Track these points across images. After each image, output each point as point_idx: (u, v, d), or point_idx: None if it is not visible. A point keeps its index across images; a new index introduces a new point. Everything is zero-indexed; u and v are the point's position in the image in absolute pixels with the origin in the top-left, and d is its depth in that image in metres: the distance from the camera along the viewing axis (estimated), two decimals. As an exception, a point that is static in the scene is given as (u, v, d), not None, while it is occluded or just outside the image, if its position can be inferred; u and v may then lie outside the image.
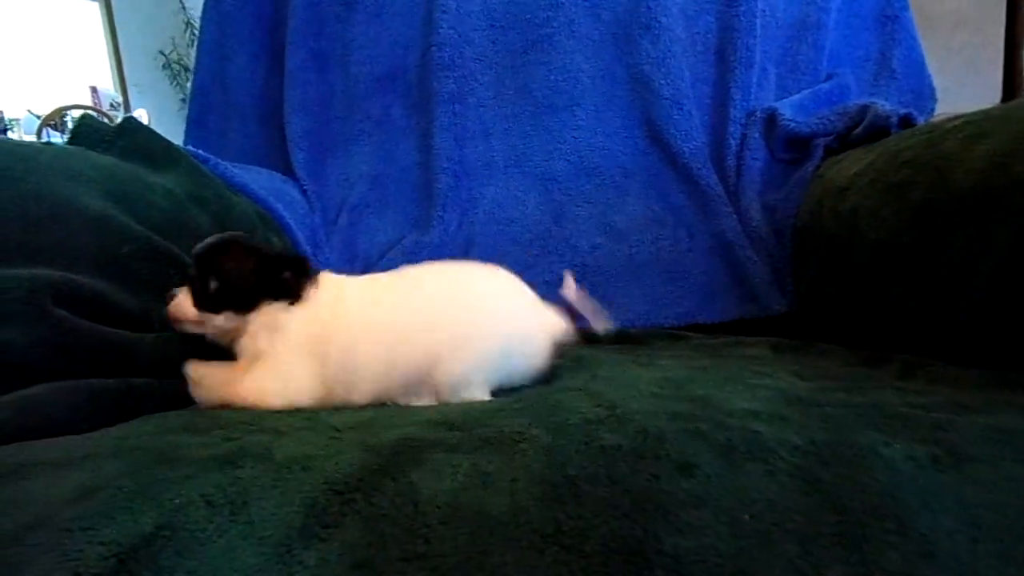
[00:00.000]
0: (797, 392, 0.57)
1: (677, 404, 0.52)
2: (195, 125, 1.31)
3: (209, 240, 0.64)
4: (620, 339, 0.96)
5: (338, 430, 0.50)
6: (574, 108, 1.14)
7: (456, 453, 0.43)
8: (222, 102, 1.31)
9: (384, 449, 0.44)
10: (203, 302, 0.62)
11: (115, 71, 4.45)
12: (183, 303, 0.63)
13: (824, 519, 0.35)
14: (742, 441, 0.43)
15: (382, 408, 0.58)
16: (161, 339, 0.64)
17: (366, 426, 0.51)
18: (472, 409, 0.55)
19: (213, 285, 0.62)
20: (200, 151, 0.93)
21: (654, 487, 0.38)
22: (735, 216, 1.05)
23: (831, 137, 1.03)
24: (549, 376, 0.68)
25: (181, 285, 0.66)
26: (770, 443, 0.42)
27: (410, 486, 0.40)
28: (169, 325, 0.63)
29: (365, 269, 1.10)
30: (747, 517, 0.35)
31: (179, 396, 0.61)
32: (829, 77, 1.22)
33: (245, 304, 0.62)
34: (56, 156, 0.66)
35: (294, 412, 0.55)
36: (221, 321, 0.63)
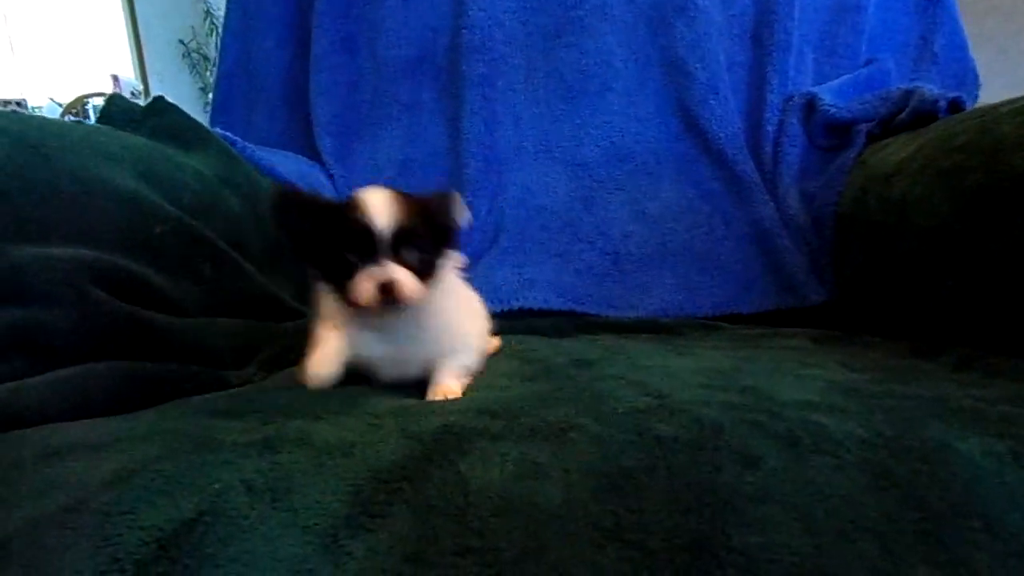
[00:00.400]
0: (851, 383, 0.55)
1: (728, 394, 0.50)
2: (220, 110, 1.30)
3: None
4: (652, 328, 0.94)
5: (377, 416, 0.48)
6: (606, 92, 1.11)
7: (502, 442, 0.41)
8: (247, 87, 1.29)
9: (426, 436, 0.42)
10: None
11: (136, 60, 4.47)
12: (405, 281, 0.52)
13: (904, 517, 0.33)
14: (805, 433, 0.40)
15: (414, 397, 0.56)
16: (198, 323, 0.63)
17: (404, 413, 0.49)
18: (511, 398, 0.53)
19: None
20: (228, 134, 0.92)
21: (717, 480, 0.36)
22: (772, 204, 1.02)
23: (873, 123, 1.00)
24: (583, 361, 0.66)
25: (208, 265, 0.65)
26: (835, 435, 0.40)
27: (458, 476, 0.38)
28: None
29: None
30: (821, 512, 0.33)
31: (214, 380, 0.60)
32: (868, 62, 1.18)
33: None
34: (87, 134, 0.65)
35: (329, 395, 0.54)
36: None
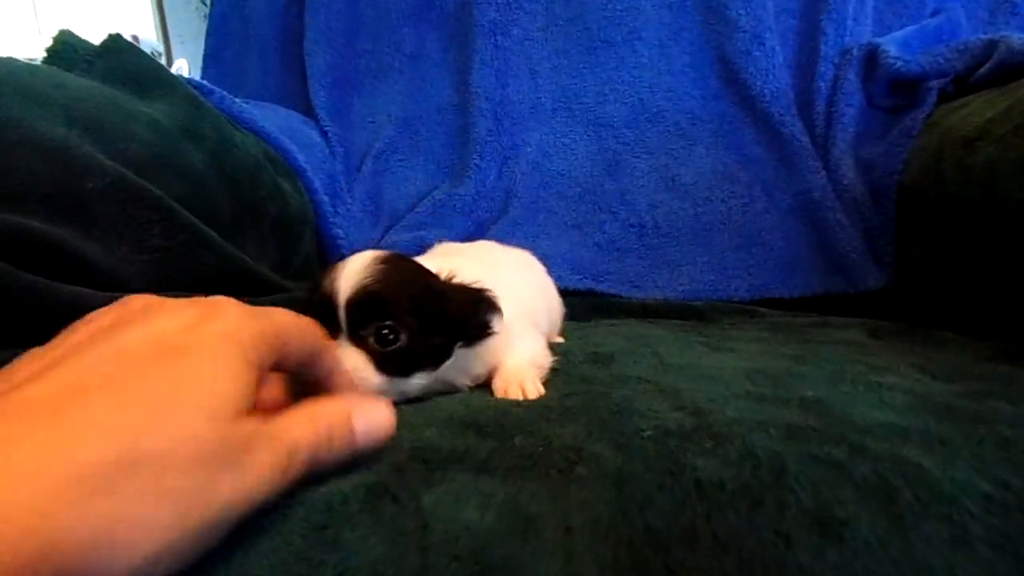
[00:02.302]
0: (939, 398, 0.43)
1: (785, 411, 0.39)
2: (211, 61, 1.20)
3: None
4: (681, 312, 0.83)
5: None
6: (634, 42, 0.98)
7: (485, 475, 0.31)
8: (241, 34, 1.18)
9: (386, 459, 0.32)
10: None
11: (157, 21, 4.37)
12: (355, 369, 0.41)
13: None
14: (902, 481, 0.29)
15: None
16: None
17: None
18: (508, 403, 0.43)
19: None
20: (204, 83, 0.81)
21: (786, 559, 0.25)
22: (823, 172, 0.89)
23: (947, 79, 0.86)
24: (600, 356, 0.55)
25: (157, 231, 0.55)
26: (944, 486, 0.29)
27: (418, 521, 0.28)
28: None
29: (391, 223, 0.97)
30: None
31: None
32: (935, 12, 1.03)
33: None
34: (13, 72, 0.55)
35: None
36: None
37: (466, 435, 0.36)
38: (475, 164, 0.96)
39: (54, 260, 0.47)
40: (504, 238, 0.89)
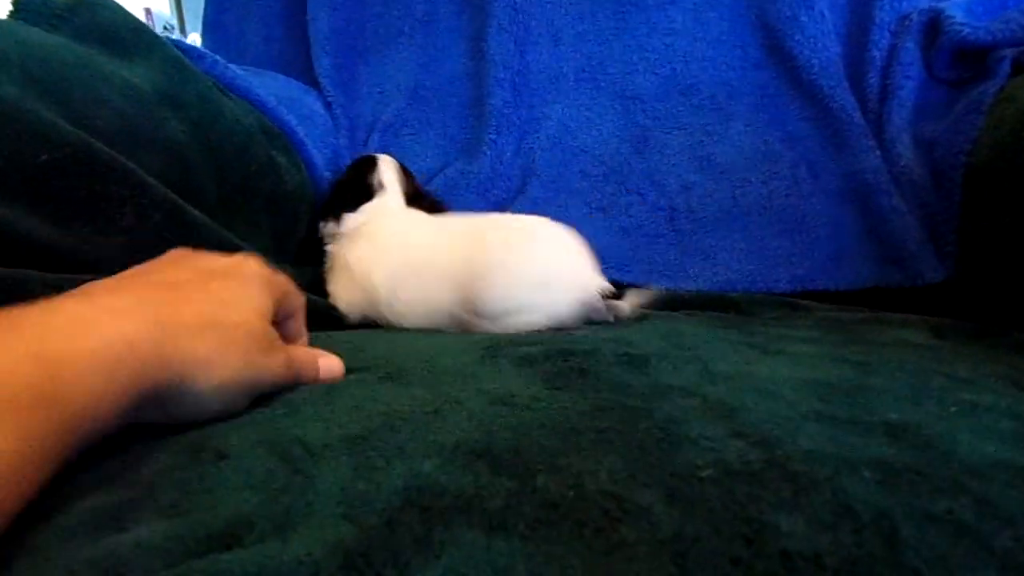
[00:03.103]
0: (1055, 422, 0.35)
1: (871, 441, 0.31)
2: (210, 28, 1.13)
3: None
4: (716, 305, 0.75)
5: (310, 453, 0.31)
6: (667, 6, 0.90)
7: (500, 535, 0.23)
8: (242, -1, 1.10)
9: (374, 507, 0.25)
10: None
11: None
12: None
13: None
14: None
15: (390, 410, 0.38)
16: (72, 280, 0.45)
17: (355, 446, 0.31)
18: (527, 424, 0.35)
19: None
20: (194, 46, 0.74)
21: None
22: (877, 151, 0.80)
23: (1021, 48, 0.76)
24: (634, 358, 0.47)
25: (128, 209, 0.48)
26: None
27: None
28: None
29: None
30: None
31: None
32: (1004, -25, 0.93)
33: None
34: (-39, 24, 0.48)
35: (250, 418, 0.37)
36: None
37: (477, 470, 0.28)
38: (490, 139, 0.88)
39: (-1, 242, 0.40)
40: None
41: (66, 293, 0.29)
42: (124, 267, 0.49)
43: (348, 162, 0.91)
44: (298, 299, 0.41)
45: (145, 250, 0.51)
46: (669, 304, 0.76)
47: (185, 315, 0.30)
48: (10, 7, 0.60)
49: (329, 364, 0.41)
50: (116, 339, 0.26)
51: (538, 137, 0.89)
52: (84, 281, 0.43)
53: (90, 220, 0.47)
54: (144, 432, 0.33)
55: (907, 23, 0.84)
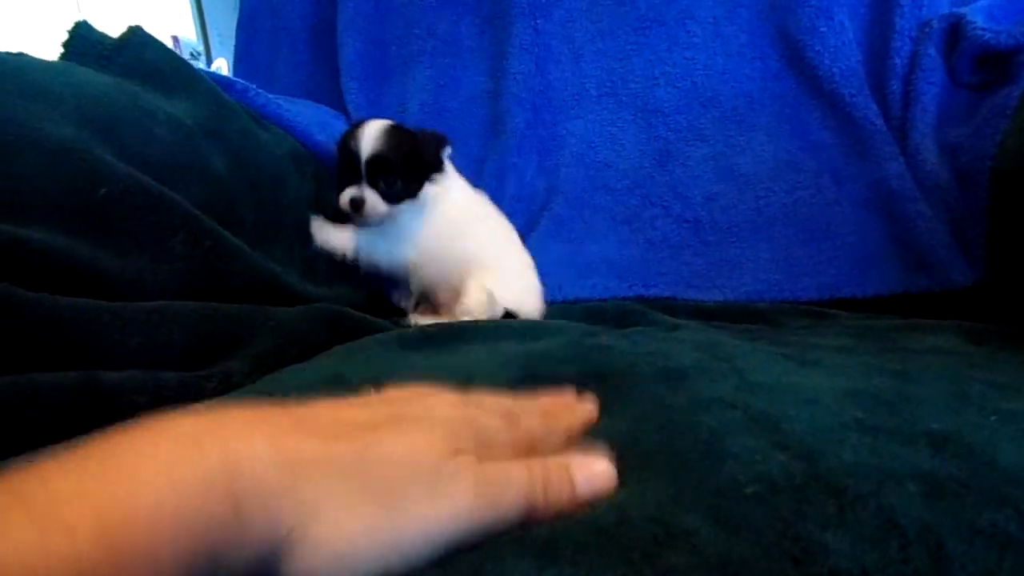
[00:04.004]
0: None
1: (914, 452, 0.32)
2: (242, 57, 1.16)
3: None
4: (743, 316, 0.76)
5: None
6: (686, 20, 0.91)
7: (549, 563, 0.24)
8: (271, 28, 1.14)
9: None
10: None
11: (197, 20, 4.39)
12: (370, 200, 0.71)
13: None
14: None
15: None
16: (153, 313, 0.47)
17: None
18: None
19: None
20: (226, 76, 0.76)
21: None
22: (900, 158, 0.81)
23: (1044, 51, 0.76)
24: (671, 372, 0.48)
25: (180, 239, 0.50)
26: None
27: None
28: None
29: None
30: None
31: (171, 389, 0.45)
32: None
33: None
34: (22, 69, 0.50)
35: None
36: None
37: None
38: (512, 161, 0.90)
39: (59, 272, 0.42)
40: (547, 237, 0.84)
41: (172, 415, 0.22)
42: (179, 294, 0.52)
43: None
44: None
45: (197, 276, 0.53)
46: (697, 316, 0.77)
47: (319, 451, 0.22)
48: (61, 49, 0.63)
49: (590, 472, 0.29)
50: (214, 475, 0.19)
51: (561, 154, 0.90)
52: (148, 310, 0.45)
53: (146, 250, 0.49)
54: None
55: (928, 29, 0.84)
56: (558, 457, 0.29)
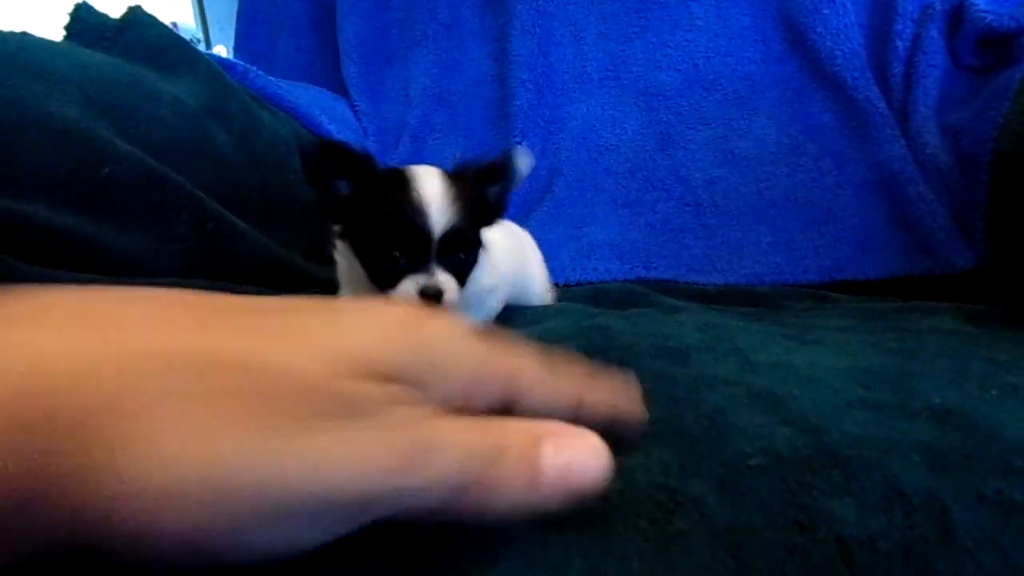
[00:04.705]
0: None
1: (918, 425, 0.32)
2: (243, 41, 1.16)
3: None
4: (744, 299, 0.76)
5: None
6: (689, 3, 0.91)
7: (555, 531, 0.24)
8: (272, 11, 1.14)
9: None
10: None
11: (196, 6, 4.36)
12: (450, 291, 0.49)
13: None
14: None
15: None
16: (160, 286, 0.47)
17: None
18: None
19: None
20: (227, 58, 0.76)
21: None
22: (902, 141, 0.81)
23: (1047, 33, 0.76)
24: (673, 351, 0.48)
25: (183, 219, 0.50)
26: None
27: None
28: None
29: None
30: None
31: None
32: (1024, -39, 0.93)
33: None
34: (25, 49, 0.50)
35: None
36: None
37: None
38: (515, 142, 0.90)
39: (63, 248, 0.42)
40: (548, 220, 0.84)
41: None
42: (183, 273, 0.52)
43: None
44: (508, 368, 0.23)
45: (201, 257, 0.53)
46: (698, 299, 0.77)
47: (161, 342, 0.16)
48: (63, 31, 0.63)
49: (570, 449, 0.21)
50: (29, 371, 0.14)
51: (563, 137, 0.90)
52: (157, 285, 0.46)
53: (150, 229, 0.49)
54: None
55: (930, 12, 0.84)
56: (534, 423, 0.21)
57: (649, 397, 0.38)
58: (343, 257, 0.52)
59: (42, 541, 0.14)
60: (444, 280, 0.49)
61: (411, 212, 0.48)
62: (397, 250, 0.48)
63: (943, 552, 0.22)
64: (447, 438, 0.19)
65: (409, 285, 0.49)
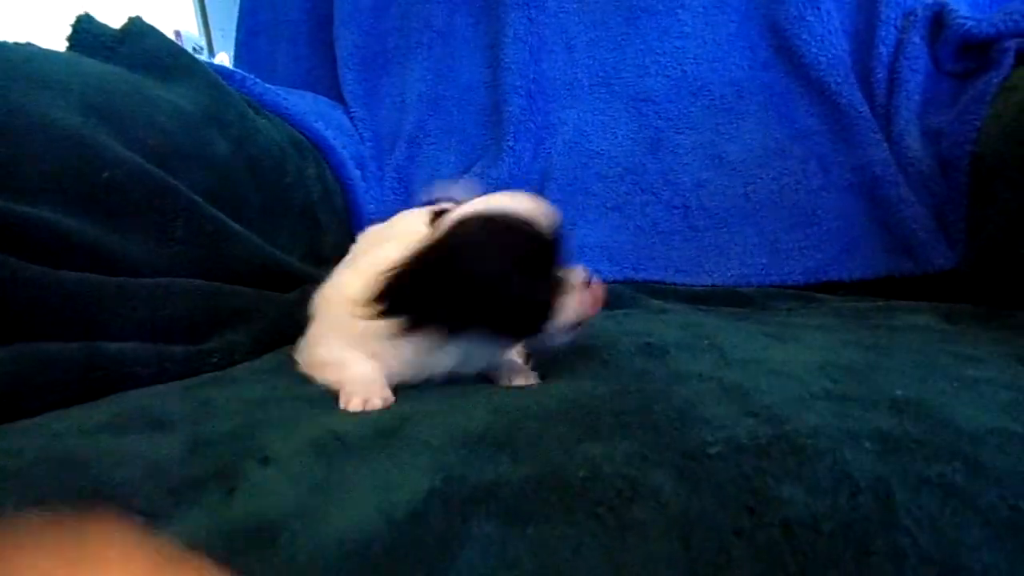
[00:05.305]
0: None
1: (876, 415, 0.34)
2: (243, 49, 1.17)
3: None
4: (731, 299, 0.78)
5: (346, 447, 0.34)
6: (677, 11, 0.92)
7: (516, 525, 0.26)
8: (271, 21, 1.15)
9: (398, 503, 0.27)
10: None
11: (199, 15, 4.38)
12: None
13: None
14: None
15: (421, 404, 0.41)
16: (158, 288, 0.49)
17: (387, 439, 0.35)
18: (548, 411, 0.37)
19: None
20: (225, 66, 0.78)
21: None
22: (885, 144, 0.82)
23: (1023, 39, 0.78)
24: (654, 348, 0.50)
25: (180, 223, 0.52)
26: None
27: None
28: None
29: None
30: None
31: (175, 362, 0.47)
32: (1006, -32, 0.95)
33: None
34: (30, 59, 0.52)
35: (297, 413, 0.41)
36: None
37: (498, 460, 0.31)
38: (508, 145, 0.91)
39: (64, 250, 0.44)
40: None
41: None
42: (180, 274, 0.53)
43: (374, 169, 0.95)
44: None
45: (197, 259, 0.55)
46: (685, 297, 0.79)
47: None
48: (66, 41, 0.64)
49: None
50: None
51: (555, 142, 0.92)
52: (150, 286, 0.47)
53: (148, 233, 0.51)
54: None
55: (912, 18, 0.86)
56: None
57: (624, 391, 0.40)
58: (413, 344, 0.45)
59: None
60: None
61: (540, 227, 0.45)
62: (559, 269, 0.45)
63: (882, 531, 0.24)
64: None
65: (568, 297, 0.44)
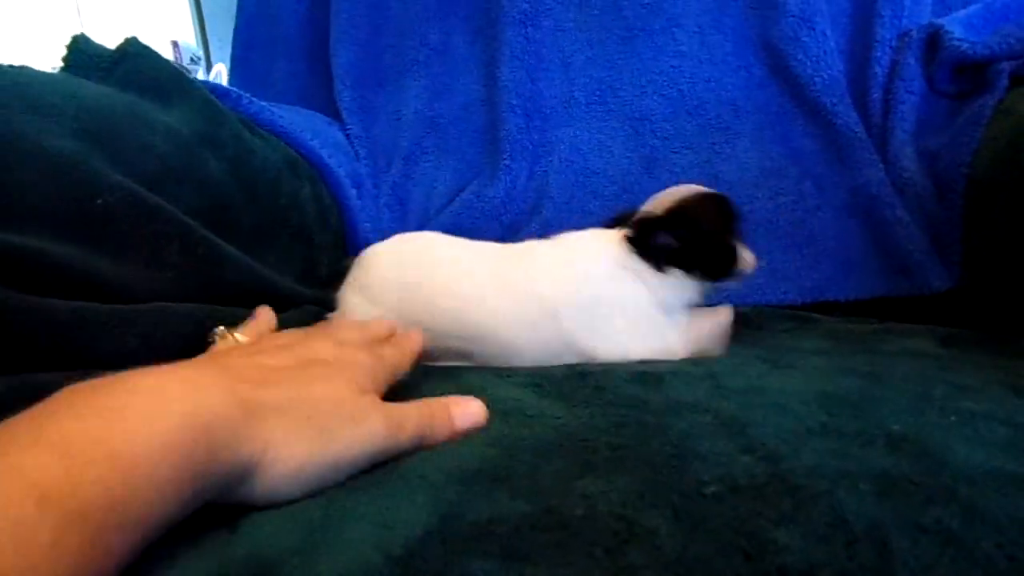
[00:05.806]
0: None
1: (872, 452, 0.34)
2: (239, 64, 1.17)
3: None
4: (728, 319, 0.77)
5: (341, 483, 0.34)
6: (673, 30, 0.92)
7: (514, 563, 0.26)
8: (267, 37, 1.15)
9: (405, 526, 0.28)
10: None
11: (197, 26, 4.40)
12: None
13: None
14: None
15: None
16: (151, 313, 0.49)
17: (386, 475, 0.34)
18: (541, 446, 0.36)
19: None
20: (220, 84, 0.78)
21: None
22: (880, 165, 0.82)
23: (1019, 61, 0.78)
24: (648, 376, 0.50)
25: (174, 247, 0.52)
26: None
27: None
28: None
29: (420, 226, 0.94)
30: None
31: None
32: (1001, -11, 0.95)
33: None
34: (19, 82, 0.52)
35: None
36: None
37: (495, 496, 0.30)
38: (505, 164, 0.91)
39: (55, 277, 0.44)
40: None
41: (147, 370, 0.27)
42: (174, 298, 0.53)
43: (369, 187, 0.95)
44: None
45: (192, 282, 0.55)
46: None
47: (266, 395, 0.30)
48: (60, 62, 0.64)
49: (465, 410, 0.38)
50: (192, 419, 0.25)
51: (551, 161, 0.92)
52: (144, 312, 0.47)
53: (142, 257, 0.51)
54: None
55: (907, 39, 0.86)
56: (441, 399, 0.38)
57: (621, 423, 0.40)
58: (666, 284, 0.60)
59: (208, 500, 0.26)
60: None
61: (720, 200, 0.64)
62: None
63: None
64: (409, 412, 0.35)
65: (745, 252, 0.64)
